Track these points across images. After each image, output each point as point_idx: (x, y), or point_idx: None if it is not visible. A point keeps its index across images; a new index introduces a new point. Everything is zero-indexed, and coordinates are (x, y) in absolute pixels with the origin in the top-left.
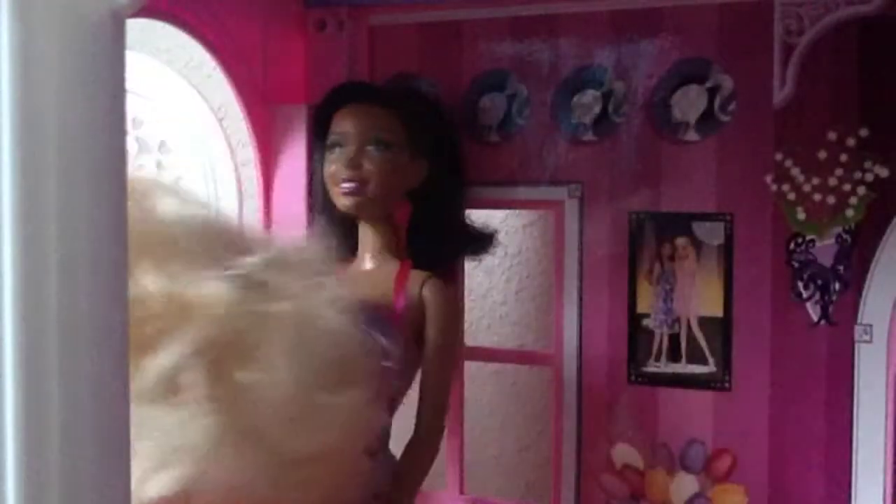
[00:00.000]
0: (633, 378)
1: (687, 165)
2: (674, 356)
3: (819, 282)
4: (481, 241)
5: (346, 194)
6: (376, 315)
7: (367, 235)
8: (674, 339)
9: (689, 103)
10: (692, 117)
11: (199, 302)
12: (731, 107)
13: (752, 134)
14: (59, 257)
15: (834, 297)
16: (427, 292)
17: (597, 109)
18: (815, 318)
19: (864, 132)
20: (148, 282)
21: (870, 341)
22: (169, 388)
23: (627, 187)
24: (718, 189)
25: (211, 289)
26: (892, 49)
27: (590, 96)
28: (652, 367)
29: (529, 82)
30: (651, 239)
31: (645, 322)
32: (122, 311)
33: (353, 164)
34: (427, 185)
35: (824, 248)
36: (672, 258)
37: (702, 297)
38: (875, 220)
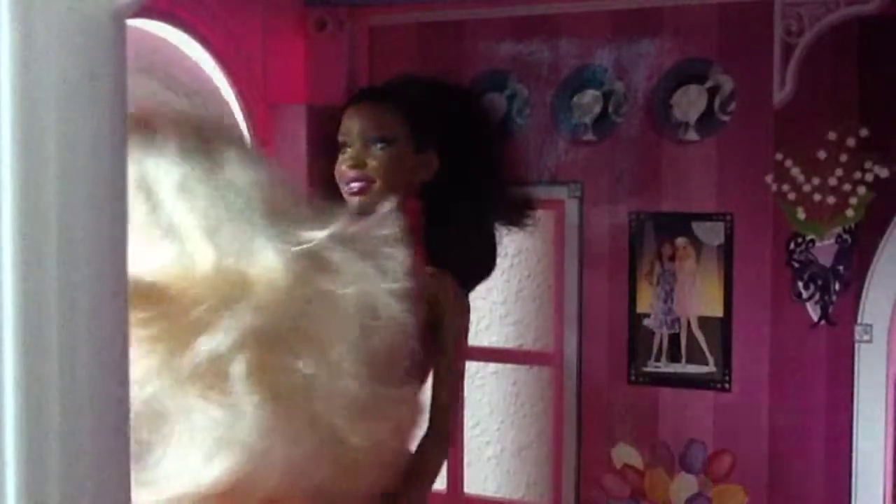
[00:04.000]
0: (633, 378)
1: (687, 165)
2: (674, 356)
3: (819, 282)
4: (516, 211)
5: (353, 194)
6: None
7: None
8: (674, 339)
9: (689, 103)
10: (692, 117)
11: (256, 279)
12: (731, 107)
13: (752, 134)
14: (59, 256)
15: (834, 297)
16: (439, 289)
17: (597, 109)
18: (815, 318)
19: (864, 132)
20: (197, 252)
21: (870, 341)
22: (220, 373)
23: (627, 187)
24: (718, 189)
25: (269, 264)
26: (892, 49)
27: (590, 96)
28: (652, 367)
29: (529, 82)
30: (651, 239)
31: (645, 322)
32: (122, 308)
33: (359, 163)
34: (439, 177)
35: (824, 248)
36: (672, 258)
37: (702, 297)
38: (875, 220)
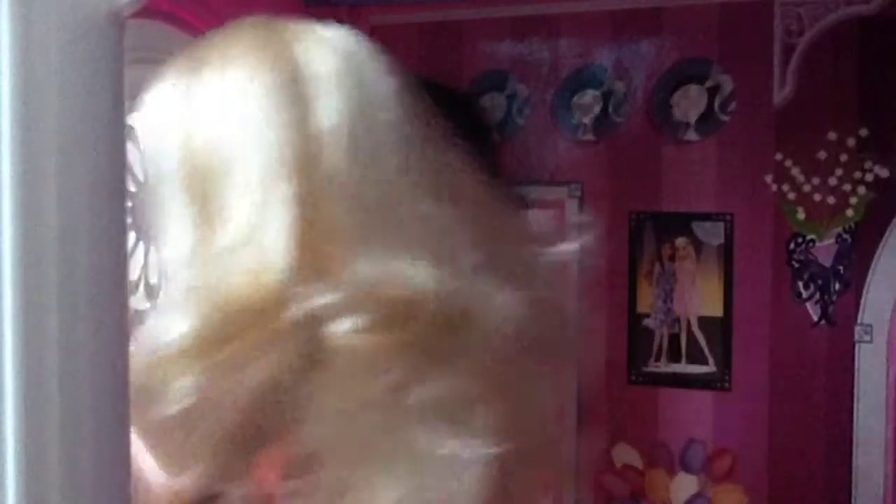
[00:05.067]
0: (633, 378)
1: (687, 165)
2: (674, 356)
3: (819, 282)
4: None
5: None
6: None
7: None
8: (674, 339)
9: (689, 103)
10: (692, 117)
11: (473, 307)
12: (731, 107)
13: (752, 134)
14: (58, 258)
15: (834, 297)
16: None
17: (597, 109)
18: (815, 318)
19: (864, 132)
20: (412, 265)
21: (870, 341)
22: (457, 412)
23: (627, 187)
24: (718, 189)
25: (483, 290)
26: (892, 49)
27: (590, 96)
28: (652, 367)
29: (529, 82)
30: (651, 239)
31: (645, 322)
32: (123, 307)
33: None
34: None
35: (824, 248)
36: (672, 258)
37: (702, 297)
38: (875, 220)
